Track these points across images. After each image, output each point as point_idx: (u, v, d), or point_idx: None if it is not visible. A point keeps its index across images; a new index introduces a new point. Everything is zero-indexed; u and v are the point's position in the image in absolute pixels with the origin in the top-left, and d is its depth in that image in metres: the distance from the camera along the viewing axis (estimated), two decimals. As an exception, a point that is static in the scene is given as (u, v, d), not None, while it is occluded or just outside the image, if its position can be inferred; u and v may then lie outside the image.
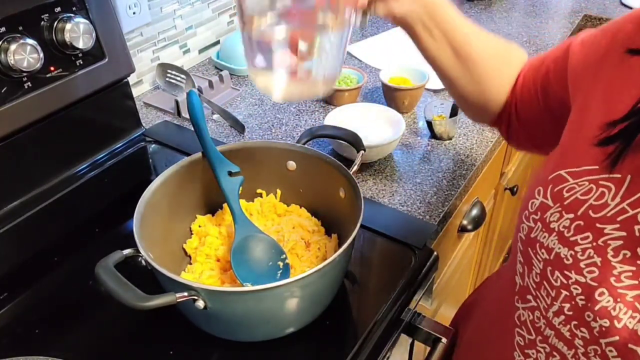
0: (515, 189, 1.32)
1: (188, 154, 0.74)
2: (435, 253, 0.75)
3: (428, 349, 0.71)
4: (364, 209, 0.62)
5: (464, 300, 0.82)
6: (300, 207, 0.76)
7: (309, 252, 0.69)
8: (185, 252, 0.72)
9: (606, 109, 0.47)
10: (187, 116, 0.84)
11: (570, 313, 0.46)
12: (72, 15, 0.80)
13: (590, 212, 0.45)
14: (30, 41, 0.74)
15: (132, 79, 1.00)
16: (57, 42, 0.79)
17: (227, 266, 0.68)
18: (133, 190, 0.69)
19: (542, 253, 0.48)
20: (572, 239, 0.46)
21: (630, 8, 1.49)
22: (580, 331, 0.46)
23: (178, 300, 0.52)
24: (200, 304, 0.54)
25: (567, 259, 0.46)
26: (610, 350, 0.43)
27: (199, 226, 0.73)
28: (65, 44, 0.79)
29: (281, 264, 0.65)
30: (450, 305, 1.16)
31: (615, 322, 0.42)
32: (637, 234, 0.42)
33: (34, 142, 0.82)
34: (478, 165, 0.91)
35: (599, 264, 0.44)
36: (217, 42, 1.28)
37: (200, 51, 1.24)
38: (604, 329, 0.43)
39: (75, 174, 0.89)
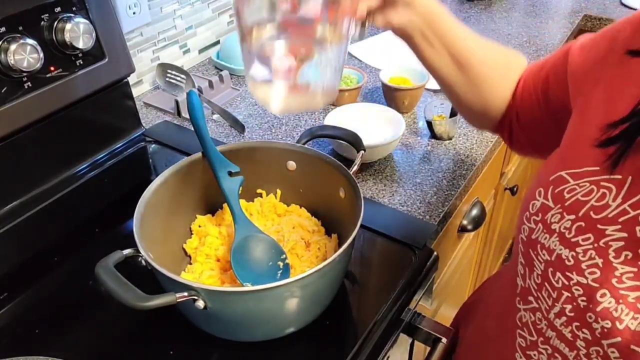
0: (515, 189, 1.32)
1: (188, 154, 0.74)
2: (435, 253, 0.75)
3: (428, 349, 0.71)
4: (364, 209, 0.62)
5: (464, 301, 0.82)
6: (300, 207, 0.76)
7: (309, 252, 0.69)
8: (185, 252, 0.72)
9: (606, 110, 0.47)
10: (187, 116, 0.84)
11: (572, 314, 0.46)
12: (72, 15, 0.80)
13: (591, 213, 0.45)
14: (30, 41, 0.74)
15: (132, 79, 1.00)
16: (57, 42, 0.79)
17: (227, 266, 0.68)
18: (133, 190, 0.69)
19: (544, 254, 0.48)
20: (573, 240, 0.46)
21: (630, 8, 1.49)
22: (582, 332, 0.45)
23: (178, 300, 0.52)
24: (200, 304, 0.54)
25: (569, 260, 0.46)
26: (612, 352, 0.43)
27: (199, 226, 0.73)
28: (65, 44, 0.79)
29: (281, 264, 0.65)
30: (450, 305, 1.16)
31: (617, 323, 0.42)
32: (638, 235, 0.42)
33: (34, 142, 0.82)
34: (478, 165, 0.91)
35: (601, 265, 0.44)
36: (217, 42, 1.28)
37: (200, 51, 1.24)
38: (605, 330, 0.43)
39: (75, 174, 0.89)
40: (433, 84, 1.07)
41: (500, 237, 1.58)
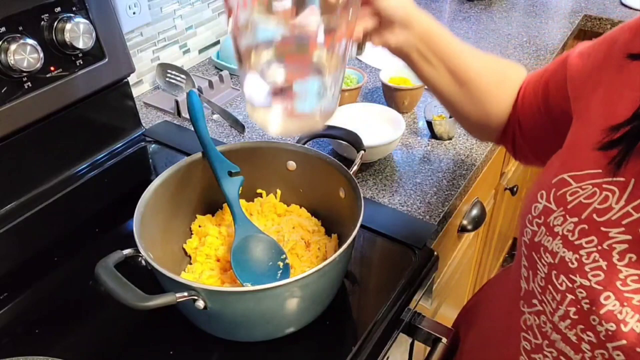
0: (515, 189, 1.32)
1: (188, 154, 0.74)
2: (435, 253, 0.75)
3: (428, 349, 0.71)
4: (364, 209, 0.62)
5: (464, 303, 0.82)
6: (300, 207, 0.76)
7: (309, 252, 0.69)
8: (185, 252, 0.72)
9: (606, 113, 0.47)
10: (187, 116, 0.84)
11: (576, 317, 0.46)
12: (72, 15, 0.80)
13: (594, 215, 0.45)
14: (30, 41, 0.74)
15: (132, 79, 1.00)
16: (57, 42, 0.79)
17: (227, 266, 0.68)
18: (133, 190, 0.69)
19: (547, 257, 0.48)
20: (576, 242, 0.46)
21: (631, 8, 1.49)
22: (587, 335, 0.45)
23: (178, 300, 0.52)
24: (200, 304, 0.54)
25: (572, 263, 0.46)
26: (618, 355, 0.43)
27: (199, 226, 0.73)
28: (65, 44, 0.79)
29: (281, 264, 0.65)
30: (450, 305, 1.16)
31: (622, 325, 0.42)
32: None
33: (34, 142, 0.82)
34: (478, 165, 0.91)
35: (605, 267, 0.44)
36: (217, 42, 1.28)
37: (200, 51, 1.24)
38: (610, 332, 0.43)
39: (75, 174, 0.89)
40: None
41: (500, 237, 1.58)
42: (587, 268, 0.45)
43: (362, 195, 0.63)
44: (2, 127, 0.76)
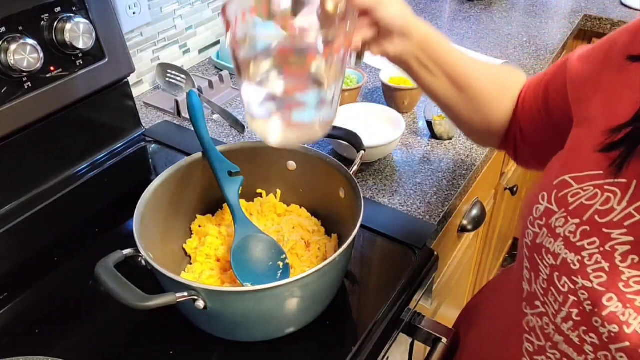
0: (515, 189, 1.32)
1: (188, 154, 0.74)
2: (435, 253, 0.75)
3: (428, 349, 0.71)
4: (364, 209, 0.62)
5: (464, 303, 0.82)
6: (300, 207, 0.76)
7: (309, 252, 0.69)
8: (185, 252, 0.72)
9: (607, 115, 0.47)
10: (187, 116, 0.84)
11: (578, 319, 0.46)
12: (72, 15, 0.80)
13: (596, 217, 0.45)
14: (30, 41, 0.74)
15: (132, 79, 1.00)
16: (57, 42, 0.79)
17: (227, 266, 0.68)
18: (133, 190, 0.69)
19: (549, 259, 0.48)
20: (578, 244, 0.46)
21: (631, 8, 1.49)
22: (589, 337, 0.45)
23: (178, 300, 0.52)
24: (200, 304, 0.54)
25: (574, 265, 0.46)
26: (621, 356, 0.43)
27: (199, 226, 0.73)
28: (65, 44, 0.79)
29: (281, 264, 0.65)
30: (450, 305, 1.16)
31: (625, 327, 0.42)
32: None
33: (34, 142, 0.82)
34: (478, 165, 0.91)
35: (607, 269, 0.44)
36: (217, 42, 1.28)
37: (200, 51, 1.24)
38: (613, 334, 0.43)
39: (75, 174, 0.89)
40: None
41: (500, 237, 1.58)
42: (589, 270, 0.45)
43: (362, 195, 0.63)
44: (2, 127, 0.76)
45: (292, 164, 0.75)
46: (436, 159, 0.92)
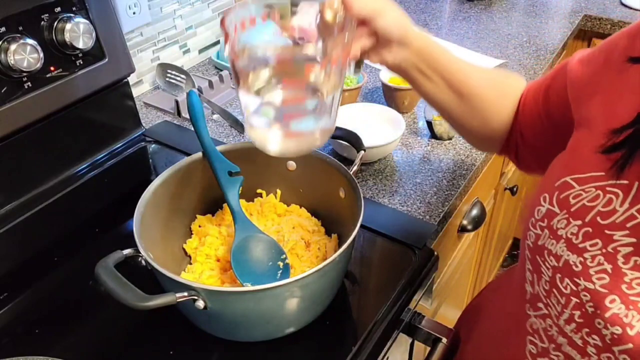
0: (515, 189, 1.32)
1: (188, 154, 0.74)
2: (435, 253, 0.75)
3: (428, 349, 0.71)
4: (364, 209, 0.62)
5: (465, 303, 0.81)
6: (300, 207, 0.76)
7: (309, 252, 0.69)
8: (185, 252, 0.72)
9: (608, 116, 0.47)
10: (187, 116, 0.84)
11: (581, 320, 0.46)
12: (72, 15, 0.80)
13: (598, 218, 0.45)
14: (30, 41, 0.74)
15: (132, 79, 1.00)
16: (57, 42, 0.79)
17: (227, 266, 0.68)
18: (133, 190, 0.69)
19: (551, 260, 0.48)
20: (580, 245, 0.45)
21: (631, 8, 1.49)
22: (592, 339, 0.45)
23: (178, 300, 0.52)
24: (200, 304, 0.54)
25: (577, 266, 0.46)
26: (625, 358, 0.43)
27: (199, 226, 0.73)
28: (65, 44, 0.79)
29: (281, 264, 0.65)
30: (450, 305, 1.16)
31: (628, 329, 0.42)
32: None
33: (34, 142, 0.82)
34: (478, 165, 0.91)
35: (610, 271, 0.44)
36: (217, 42, 1.28)
37: (200, 51, 1.24)
38: (615, 336, 0.43)
39: (75, 174, 0.89)
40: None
41: (500, 237, 1.58)
42: (591, 271, 0.45)
43: (362, 195, 0.63)
44: (2, 127, 0.76)
45: (292, 164, 0.75)
46: (436, 159, 0.92)
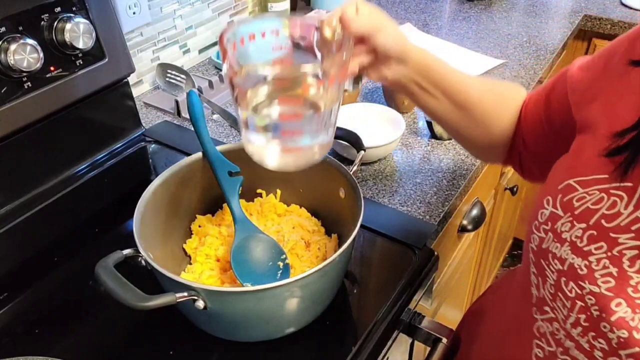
0: (515, 189, 1.33)
1: (188, 154, 0.74)
2: (435, 253, 0.75)
3: (428, 349, 0.71)
4: (364, 209, 0.62)
5: (465, 304, 0.81)
6: (300, 207, 0.76)
7: (309, 252, 0.69)
8: (185, 252, 0.72)
9: (610, 120, 0.47)
10: (187, 116, 0.84)
11: (587, 324, 0.46)
12: (72, 15, 0.80)
13: (602, 221, 0.45)
14: (30, 41, 0.74)
15: (132, 79, 1.00)
16: (57, 42, 0.79)
17: (227, 266, 0.68)
18: (133, 190, 0.69)
19: (555, 264, 0.48)
20: (585, 249, 0.45)
21: (631, 8, 1.49)
22: (599, 342, 0.45)
23: (178, 300, 0.52)
24: (200, 304, 0.54)
25: (581, 270, 0.45)
26: None
27: (199, 226, 0.73)
28: (65, 44, 0.79)
29: (281, 264, 0.65)
30: (450, 305, 1.16)
31: (635, 333, 0.42)
32: None
33: (34, 142, 0.82)
34: (478, 165, 0.91)
35: (615, 274, 0.43)
36: (217, 42, 1.27)
37: (200, 51, 1.24)
38: (622, 340, 0.43)
39: (75, 174, 0.89)
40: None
41: (500, 237, 1.58)
42: (597, 274, 0.44)
43: (362, 195, 0.63)
44: (2, 127, 0.76)
45: (292, 164, 0.75)
46: (436, 159, 0.92)
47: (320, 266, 0.55)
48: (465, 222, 1.01)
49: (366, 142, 0.76)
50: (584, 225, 0.46)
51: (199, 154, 0.71)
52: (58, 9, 0.79)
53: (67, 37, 0.78)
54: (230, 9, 1.28)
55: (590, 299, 0.45)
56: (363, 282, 0.72)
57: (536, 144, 0.64)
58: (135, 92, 1.07)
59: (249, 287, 0.60)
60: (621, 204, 0.44)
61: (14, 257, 0.76)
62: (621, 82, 0.48)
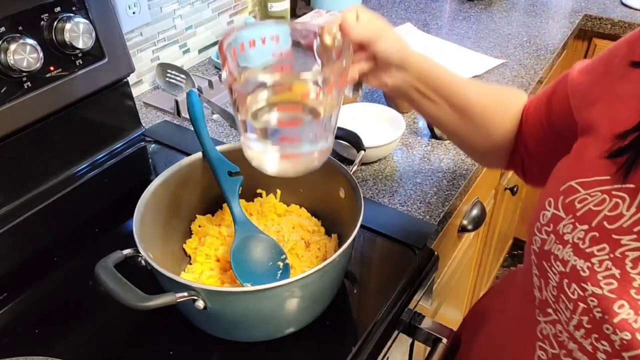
0: (515, 189, 1.32)
1: (188, 154, 0.74)
2: (435, 253, 0.75)
3: (428, 349, 0.71)
4: (364, 209, 0.62)
5: (465, 304, 0.81)
6: (300, 207, 0.76)
7: (309, 252, 0.69)
8: (185, 252, 0.72)
9: (612, 121, 0.47)
10: (187, 116, 0.84)
11: (589, 326, 0.46)
12: (71, 15, 0.80)
13: (605, 223, 0.45)
14: (30, 41, 0.74)
15: (132, 79, 1.00)
16: (57, 42, 0.79)
17: (227, 266, 0.68)
18: (133, 190, 0.69)
19: (558, 265, 0.48)
20: (587, 250, 0.45)
21: (631, 8, 1.49)
22: (602, 344, 0.45)
23: (178, 301, 0.52)
24: (200, 304, 0.54)
25: (584, 271, 0.45)
26: None
27: (199, 226, 0.73)
28: (65, 43, 0.79)
29: (281, 264, 0.65)
30: (450, 305, 1.16)
31: (638, 334, 0.42)
32: None
33: (34, 142, 0.82)
34: (478, 165, 0.91)
35: (618, 276, 0.43)
36: (217, 42, 1.28)
37: (200, 51, 1.24)
38: (625, 342, 0.42)
39: (75, 174, 0.89)
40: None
41: (500, 237, 1.58)
42: (599, 276, 0.44)
43: (362, 195, 0.63)
44: (2, 127, 0.76)
45: (292, 164, 0.75)
46: (436, 159, 0.92)
47: (320, 266, 0.54)
48: (465, 222, 1.01)
49: (366, 142, 0.76)
50: (586, 226, 0.46)
51: (199, 154, 0.71)
52: (58, 9, 0.79)
53: (67, 37, 0.78)
54: (230, 9, 1.28)
55: (592, 300, 0.45)
56: (363, 282, 0.72)
57: (538, 147, 0.64)
58: (135, 92, 1.07)
59: (249, 287, 0.60)
60: (623, 206, 0.44)
61: (14, 257, 0.76)
62: (622, 84, 0.48)
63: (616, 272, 0.43)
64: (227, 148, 0.72)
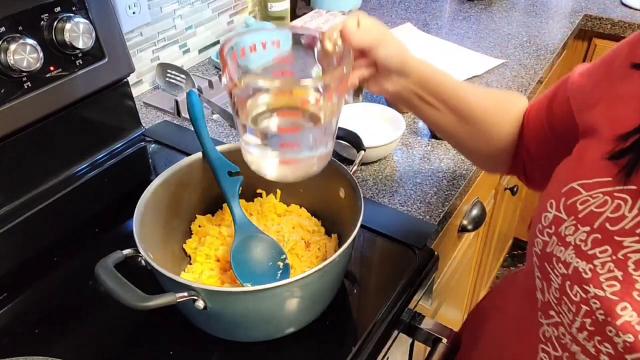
0: (515, 189, 1.33)
1: (188, 154, 0.74)
2: (435, 253, 0.75)
3: (428, 349, 0.71)
4: (364, 209, 0.62)
5: (465, 305, 0.81)
6: (300, 207, 0.76)
7: (309, 252, 0.69)
8: (185, 252, 0.72)
9: (613, 123, 0.47)
10: (187, 116, 0.84)
11: (592, 328, 0.45)
12: (71, 15, 0.80)
13: (607, 225, 0.44)
14: (30, 41, 0.74)
15: (132, 79, 1.00)
16: (57, 42, 0.79)
17: (227, 266, 0.68)
18: (133, 190, 0.69)
19: (560, 267, 0.47)
20: (590, 252, 0.45)
21: (631, 8, 1.49)
22: (605, 347, 0.45)
23: (178, 301, 0.52)
24: (200, 304, 0.54)
25: (586, 273, 0.45)
26: None
27: (199, 226, 0.73)
28: (65, 43, 0.79)
29: (281, 264, 0.65)
30: (450, 305, 1.16)
31: None
32: None
33: (34, 142, 0.82)
34: (478, 165, 0.91)
35: (620, 278, 0.43)
36: (217, 42, 1.28)
37: (200, 51, 1.24)
38: (628, 344, 0.42)
39: (75, 174, 0.89)
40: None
41: (500, 237, 1.58)
42: (601, 278, 0.44)
43: (362, 195, 0.63)
44: (2, 127, 0.76)
45: (292, 164, 0.75)
46: (436, 159, 0.92)
47: (320, 266, 0.54)
48: (465, 222, 1.01)
49: (366, 142, 0.76)
50: (588, 228, 0.46)
51: (199, 154, 0.71)
52: (58, 9, 0.79)
53: (67, 37, 0.78)
54: (230, 9, 1.28)
55: (595, 302, 0.44)
56: (363, 282, 0.72)
57: (539, 151, 0.64)
58: (135, 92, 1.07)
59: (249, 287, 0.60)
60: (625, 207, 0.44)
61: (14, 257, 0.76)
62: (623, 85, 0.48)
63: (619, 274, 0.43)
64: (227, 148, 0.72)
